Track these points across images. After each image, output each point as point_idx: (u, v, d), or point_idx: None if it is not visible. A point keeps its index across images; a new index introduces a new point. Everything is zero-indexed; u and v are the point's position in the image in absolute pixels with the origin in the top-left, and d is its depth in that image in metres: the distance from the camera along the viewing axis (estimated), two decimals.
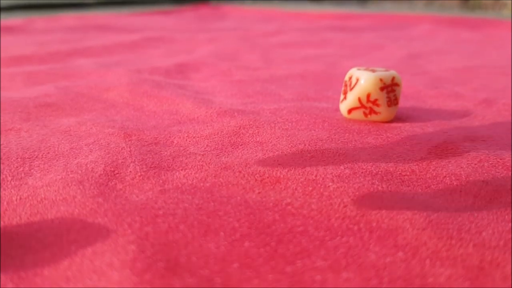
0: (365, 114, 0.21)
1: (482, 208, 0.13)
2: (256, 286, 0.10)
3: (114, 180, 0.15)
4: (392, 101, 0.21)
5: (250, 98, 0.26)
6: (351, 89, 0.21)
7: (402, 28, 0.66)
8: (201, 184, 0.15)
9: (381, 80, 0.20)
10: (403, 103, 0.25)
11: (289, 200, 0.14)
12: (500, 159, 0.17)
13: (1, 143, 0.18)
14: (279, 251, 0.11)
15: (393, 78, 0.21)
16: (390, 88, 0.21)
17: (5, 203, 0.14)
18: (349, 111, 0.21)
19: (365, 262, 0.11)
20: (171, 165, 0.16)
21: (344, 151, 0.17)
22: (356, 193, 0.14)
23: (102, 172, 0.16)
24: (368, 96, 0.21)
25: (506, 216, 0.13)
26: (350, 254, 0.11)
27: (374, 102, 0.21)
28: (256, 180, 0.15)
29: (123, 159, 0.17)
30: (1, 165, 0.16)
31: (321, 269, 0.11)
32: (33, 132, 0.20)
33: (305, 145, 0.18)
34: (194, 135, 0.19)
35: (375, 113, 0.21)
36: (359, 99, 0.21)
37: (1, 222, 0.13)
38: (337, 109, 0.23)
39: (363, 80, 0.20)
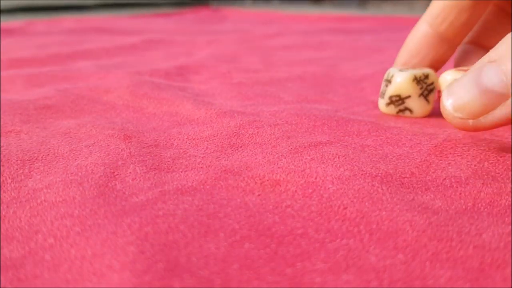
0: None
1: (482, 210, 0.13)
2: (256, 287, 0.10)
3: (114, 181, 0.15)
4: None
5: (250, 100, 0.26)
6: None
7: (402, 30, 0.66)
8: (201, 186, 0.15)
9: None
10: None
11: (289, 203, 0.14)
12: (500, 161, 0.17)
13: (1, 145, 0.18)
14: (279, 253, 0.11)
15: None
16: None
17: (5, 205, 0.14)
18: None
19: (365, 265, 0.11)
20: (171, 167, 0.16)
21: (344, 153, 0.17)
22: (356, 195, 0.14)
23: (101, 174, 0.16)
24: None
25: (506, 218, 0.13)
26: (350, 256, 0.11)
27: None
28: (256, 182, 0.15)
29: (123, 161, 0.17)
30: (1, 167, 0.16)
31: (321, 271, 0.11)
32: (33, 134, 0.20)
33: (304, 147, 0.18)
34: (194, 137, 0.19)
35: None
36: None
37: (1, 224, 0.13)
38: (337, 111, 0.23)
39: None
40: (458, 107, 0.16)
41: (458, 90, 0.16)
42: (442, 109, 0.17)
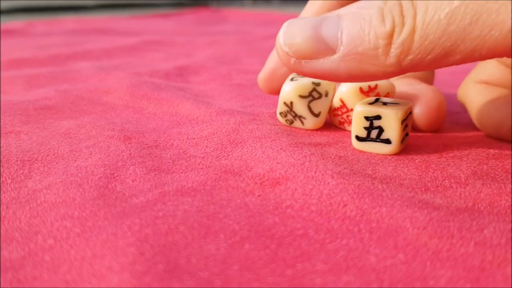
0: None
1: (482, 210, 0.13)
2: None
3: (114, 182, 0.15)
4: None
5: (250, 101, 0.26)
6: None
7: None
8: (201, 187, 0.15)
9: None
10: None
11: (289, 203, 0.14)
12: (499, 162, 0.17)
13: (1, 145, 0.18)
14: (279, 254, 0.11)
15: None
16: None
17: (4, 206, 0.14)
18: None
19: (365, 265, 0.11)
20: (171, 168, 0.16)
21: (344, 154, 0.17)
22: (356, 190, 0.14)
23: (101, 175, 0.16)
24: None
25: (507, 218, 0.13)
26: (351, 257, 0.11)
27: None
28: (256, 183, 0.15)
29: (123, 162, 0.17)
30: (1, 167, 0.16)
31: (322, 272, 0.11)
32: (32, 134, 0.20)
33: (304, 144, 0.18)
34: (193, 136, 0.19)
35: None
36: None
37: (1, 225, 0.13)
38: None
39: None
40: (288, 41, 0.15)
41: (295, 26, 0.15)
42: (276, 38, 0.16)
